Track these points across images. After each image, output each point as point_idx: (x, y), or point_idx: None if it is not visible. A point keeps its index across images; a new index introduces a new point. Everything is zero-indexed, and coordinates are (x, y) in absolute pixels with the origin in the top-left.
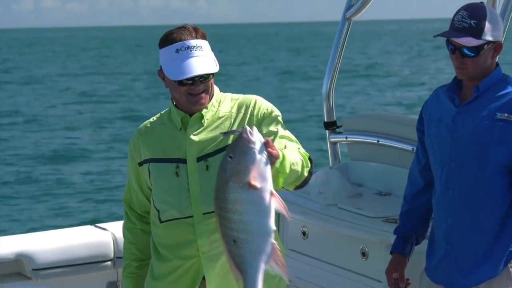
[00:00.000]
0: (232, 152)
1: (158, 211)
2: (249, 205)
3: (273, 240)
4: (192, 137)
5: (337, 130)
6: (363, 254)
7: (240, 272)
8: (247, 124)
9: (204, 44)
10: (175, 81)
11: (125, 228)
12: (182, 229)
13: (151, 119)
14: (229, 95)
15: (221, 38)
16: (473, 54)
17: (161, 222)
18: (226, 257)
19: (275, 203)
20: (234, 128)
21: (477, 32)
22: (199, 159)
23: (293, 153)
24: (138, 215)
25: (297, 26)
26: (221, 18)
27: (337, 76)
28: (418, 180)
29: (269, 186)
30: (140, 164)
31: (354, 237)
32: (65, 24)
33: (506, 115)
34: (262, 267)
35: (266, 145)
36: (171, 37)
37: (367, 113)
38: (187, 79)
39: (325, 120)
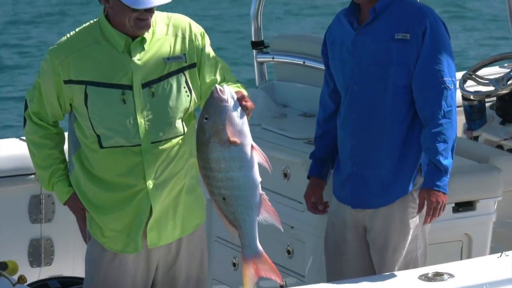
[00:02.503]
0: (206, 113)
1: (98, 136)
2: (232, 161)
3: (261, 191)
4: (137, 62)
5: (264, 50)
6: (285, 175)
7: (235, 228)
8: (188, 51)
9: None
10: (128, 6)
11: (40, 137)
12: (127, 157)
13: (75, 34)
14: (158, 14)
15: None
16: None
17: (102, 147)
18: (219, 215)
19: (257, 156)
20: (176, 53)
21: None
22: (144, 85)
23: (244, 91)
24: (49, 124)
25: None
26: None
27: None
28: (329, 104)
29: (248, 140)
30: (67, 82)
31: (276, 158)
32: None
33: (403, 34)
34: (255, 219)
35: (240, 99)
36: None
37: (294, 34)
38: None
39: (253, 40)
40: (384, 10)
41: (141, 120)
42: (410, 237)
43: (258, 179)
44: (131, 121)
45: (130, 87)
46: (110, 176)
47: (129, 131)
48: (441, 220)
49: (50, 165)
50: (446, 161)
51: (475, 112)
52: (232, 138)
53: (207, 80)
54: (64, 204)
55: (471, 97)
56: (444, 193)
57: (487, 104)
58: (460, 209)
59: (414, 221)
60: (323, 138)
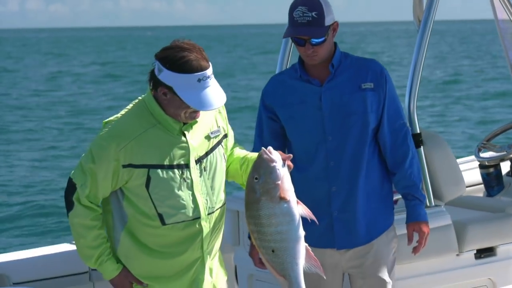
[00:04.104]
0: (256, 173)
1: (160, 214)
2: (282, 216)
3: (304, 243)
4: (191, 143)
5: None
6: None
7: (283, 277)
8: (221, 123)
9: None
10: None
11: (91, 219)
12: (188, 230)
13: (128, 120)
14: None
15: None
16: (321, 40)
17: (164, 224)
18: (268, 266)
19: (301, 210)
20: (214, 127)
21: (321, 21)
22: (196, 162)
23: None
24: (97, 205)
25: (270, 27)
26: (198, 19)
27: None
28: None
29: (294, 196)
30: (127, 166)
31: None
32: (48, 25)
33: (368, 84)
34: (301, 268)
35: (284, 159)
36: (191, 65)
37: None
38: None
39: None
40: (339, 66)
41: (198, 195)
42: (394, 255)
43: (303, 232)
44: (191, 197)
45: (187, 166)
46: (170, 249)
47: (190, 206)
48: (465, 267)
49: (100, 244)
50: (423, 194)
51: (492, 179)
52: (283, 195)
53: (230, 146)
54: (110, 280)
55: (486, 163)
56: (427, 222)
57: (504, 172)
58: (482, 255)
59: (395, 241)
60: None
